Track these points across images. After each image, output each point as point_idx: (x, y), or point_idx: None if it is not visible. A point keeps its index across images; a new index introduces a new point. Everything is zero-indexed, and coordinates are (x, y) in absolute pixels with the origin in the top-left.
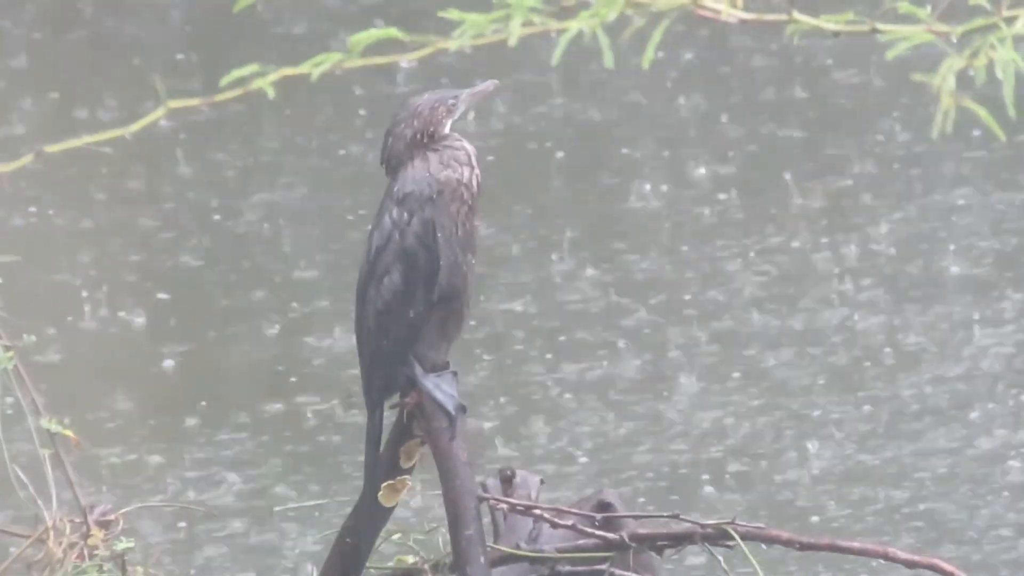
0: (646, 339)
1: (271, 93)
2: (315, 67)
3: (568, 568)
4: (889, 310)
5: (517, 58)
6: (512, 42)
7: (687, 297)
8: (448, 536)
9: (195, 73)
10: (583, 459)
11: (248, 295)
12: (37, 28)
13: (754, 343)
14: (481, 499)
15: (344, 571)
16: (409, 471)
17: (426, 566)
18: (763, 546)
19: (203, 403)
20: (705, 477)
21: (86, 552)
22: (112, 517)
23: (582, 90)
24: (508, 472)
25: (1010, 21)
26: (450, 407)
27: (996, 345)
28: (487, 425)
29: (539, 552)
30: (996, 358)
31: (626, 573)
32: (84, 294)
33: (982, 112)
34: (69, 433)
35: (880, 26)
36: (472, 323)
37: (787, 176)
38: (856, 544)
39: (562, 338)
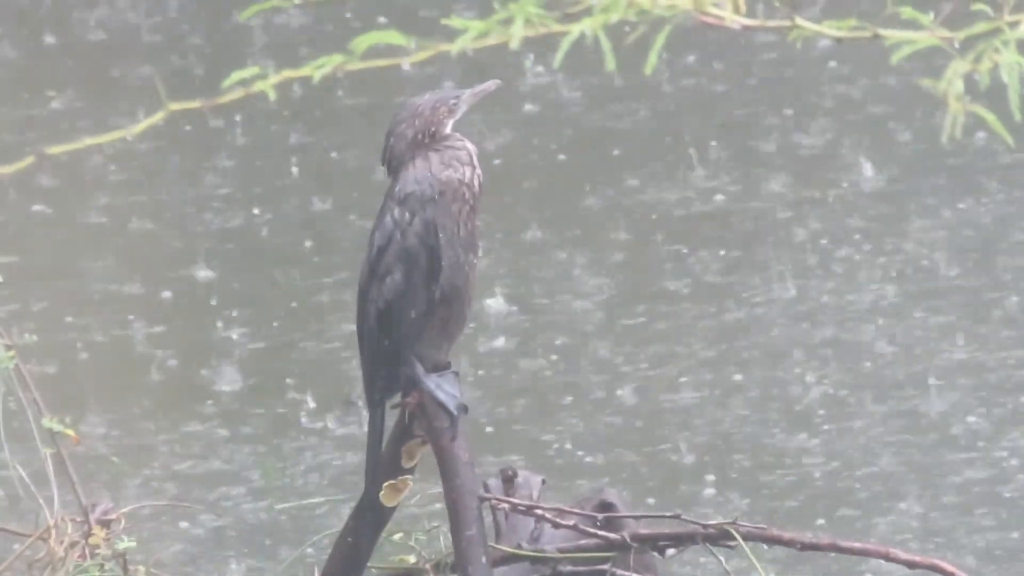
0: (648, 338)
1: (272, 95)
2: (316, 70)
3: (569, 568)
4: (894, 312)
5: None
6: (514, 44)
7: (687, 296)
8: (449, 536)
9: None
10: (587, 459)
11: (251, 293)
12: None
13: (754, 343)
14: (482, 499)
15: (345, 571)
16: (410, 471)
17: (427, 566)
18: (764, 546)
19: (206, 403)
20: (708, 478)
21: (87, 551)
22: (114, 516)
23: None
24: (510, 472)
25: (1013, 25)
26: (451, 407)
27: (993, 352)
28: (488, 429)
29: (541, 552)
30: (997, 363)
31: (627, 573)
32: (87, 294)
33: (990, 117)
34: (71, 432)
35: (882, 32)
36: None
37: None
38: (857, 544)
39: (562, 338)
